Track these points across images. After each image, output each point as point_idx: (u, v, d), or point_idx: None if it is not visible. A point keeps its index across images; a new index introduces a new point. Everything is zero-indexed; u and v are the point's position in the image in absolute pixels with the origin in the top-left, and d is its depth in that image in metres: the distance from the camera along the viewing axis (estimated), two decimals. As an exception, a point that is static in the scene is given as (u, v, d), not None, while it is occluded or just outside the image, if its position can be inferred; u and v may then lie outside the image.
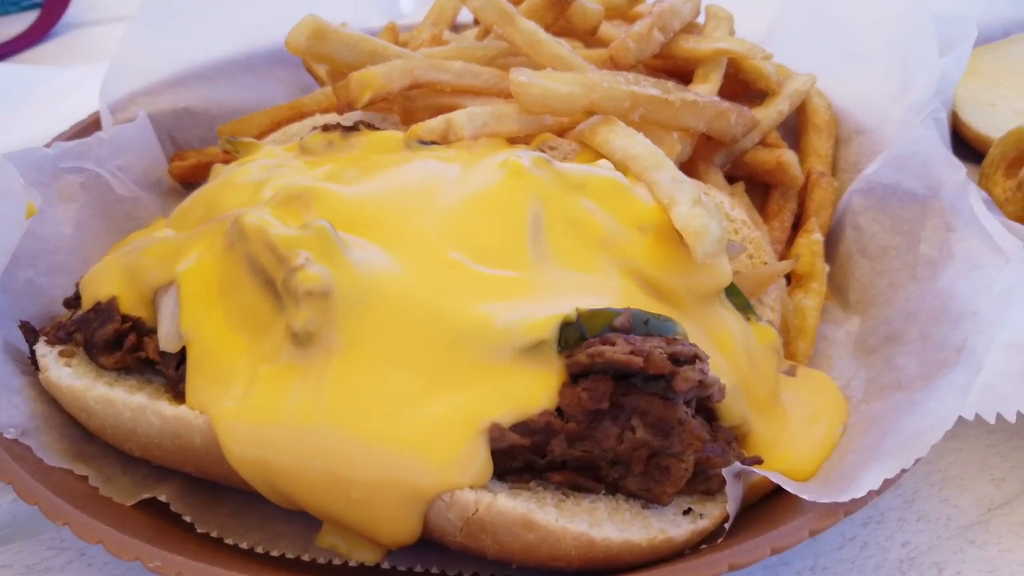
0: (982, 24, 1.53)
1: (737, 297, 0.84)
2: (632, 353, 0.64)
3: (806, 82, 1.18)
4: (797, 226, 1.11)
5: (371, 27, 1.39)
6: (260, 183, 0.88)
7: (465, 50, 1.12)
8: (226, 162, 1.02)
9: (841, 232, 1.09)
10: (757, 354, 0.81)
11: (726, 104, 1.04)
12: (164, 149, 1.25)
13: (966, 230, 0.94)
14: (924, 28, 1.16)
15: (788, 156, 1.09)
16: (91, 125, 1.19)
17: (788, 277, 1.05)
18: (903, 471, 0.65)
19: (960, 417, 0.68)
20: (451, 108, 0.98)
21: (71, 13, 2.17)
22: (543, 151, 0.98)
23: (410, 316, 0.70)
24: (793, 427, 0.81)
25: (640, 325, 0.69)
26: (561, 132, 1.00)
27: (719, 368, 0.77)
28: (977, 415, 0.65)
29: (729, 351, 0.79)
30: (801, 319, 0.97)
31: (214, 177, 0.99)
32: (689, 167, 1.07)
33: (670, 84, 0.99)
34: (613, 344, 0.65)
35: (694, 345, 0.68)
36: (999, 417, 0.67)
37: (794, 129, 1.24)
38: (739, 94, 1.22)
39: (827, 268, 1.03)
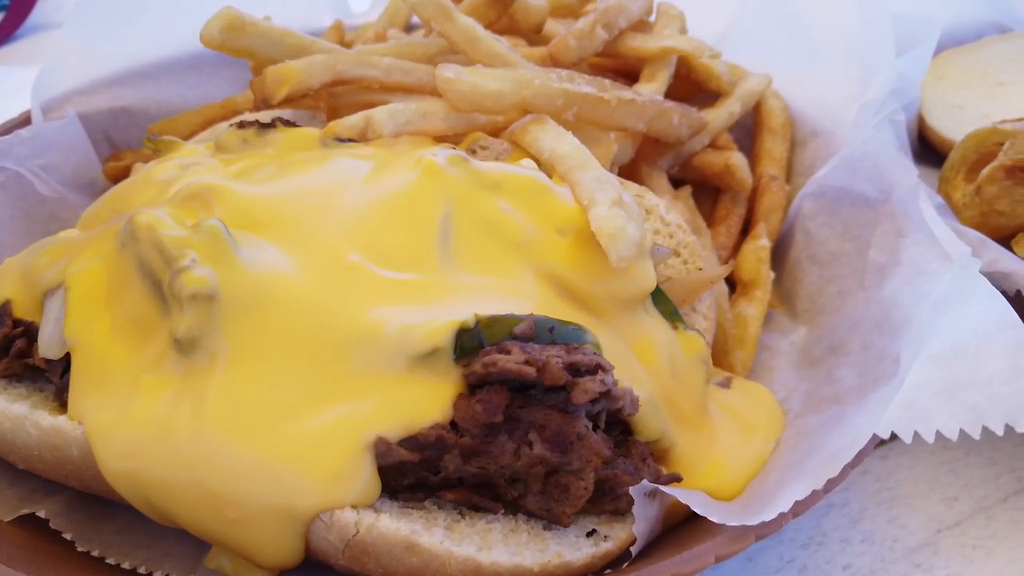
0: (955, 26, 1.50)
1: (665, 304, 0.79)
2: (527, 363, 0.59)
3: (760, 83, 1.14)
4: (748, 231, 1.06)
5: (324, 27, 1.36)
6: (170, 182, 0.84)
7: (403, 47, 1.08)
8: (146, 161, 0.98)
9: (792, 238, 1.04)
10: (682, 365, 0.76)
11: (669, 104, 1.00)
12: (101, 149, 1.21)
13: (916, 235, 0.89)
14: (882, 28, 1.12)
15: (736, 159, 1.05)
16: (21, 124, 1.16)
17: (733, 284, 1.01)
18: (815, 492, 0.60)
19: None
20: (380, 105, 0.94)
21: (37, 14, 2.14)
22: (474, 150, 0.94)
23: (300, 321, 0.65)
24: (721, 442, 0.76)
25: (544, 333, 0.65)
26: (495, 131, 0.96)
27: (638, 379, 0.72)
28: (893, 433, 0.60)
29: (650, 361, 0.74)
30: (742, 328, 0.92)
31: (133, 175, 0.95)
32: (631, 169, 1.03)
33: (607, 82, 0.95)
34: (508, 353, 0.61)
35: (597, 354, 0.64)
36: (935, 436, 0.61)
37: (752, 131, 1.20)
38: (692, 95, 1.18)
39: (772, 275, 0.98)
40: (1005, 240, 1.02)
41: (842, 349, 0.86)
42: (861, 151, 0.97)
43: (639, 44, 1.08)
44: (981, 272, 0.90)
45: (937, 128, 1.29)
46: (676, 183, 1.10)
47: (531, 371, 0.59)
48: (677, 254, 0.87)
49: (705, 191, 1.12)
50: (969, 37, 1.50)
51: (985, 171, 1.01)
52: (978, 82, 1.37)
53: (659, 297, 0.79)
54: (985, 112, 1.31)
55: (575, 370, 0.61)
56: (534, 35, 1.14)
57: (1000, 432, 0.59)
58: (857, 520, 0.89)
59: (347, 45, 1.29)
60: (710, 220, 1.07)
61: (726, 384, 0.84)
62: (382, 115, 0.87)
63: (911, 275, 0.85)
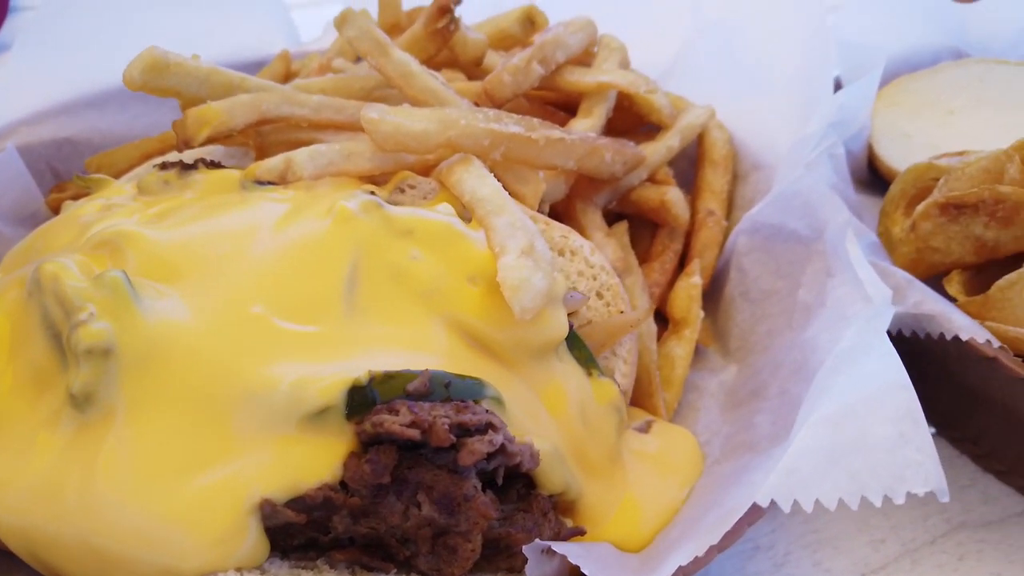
0: (911, 51, 1.50)
1: (580, 350, 0.79)
2: (413, 424, 0.59)
3: (701, 116, 1.14)
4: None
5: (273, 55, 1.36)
6: (89, 224, 0.84)
7: (341, 81, 1.07)
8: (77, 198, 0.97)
9: (727, 274, 1.04)
10: (594, 413, 0.76)
11: (601, 141, 0.99)
12: (45, 180, 1.21)
13: (843, 276, 0.89)
14: (823, 60, 1.11)
15: (671, 195, 1.04)
16: (-41, 156, 1.15)
17: (666, 322, 1.00)
18: (697, 559, 0.59)
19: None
20: (309, 144, 0.94)
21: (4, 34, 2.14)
22: (402, 189, 0.94)
23: (194, 377, 0.65)
24: (633, 491, 0.76)
25: (440, 389, 0.65)
26: (426, 169, 0.96)
27: (544, 430, 0.72)
28: (774, 502, 0.59)
29: (560, 410, 0.74)
30: (669, 368, 0.92)
31: (61, 214, 0.94)
32: (566, 205, 1.03)
33: (535, 121, 0.94)
34: (397, 412, 0.60)
35: (490, 412, 0.64)
36: (797, 505, 0.60)
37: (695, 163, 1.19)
38: (635, 127, 1.18)
39: (702, 314, 0.98)
40: (940, 277, 1.02)
41: (763, 393, 0.85)
42: (792, 188, 0.97)
43: (576, 79, 1.08)
44: (908, 313, 0.90)
45: (885, 157, 1.29)
46: (615, 218, 1.09)
47: (415, 433, 0.58)
48: (600, 296, 0.87)
49: (646, 225, 1.12)
50: (925, 63, 1.49)
51: (919, 208, 1.01)
52: (929, 109, 1.37)
53: (575, 343, 0.79)
54: (934, 141, 1.31)
55: (464, 430, 0.61)
56: (474, 68, 1.14)
57: (878, 504, 0.58)
58: (781, 564, 0.89)
59: (293, 74, 1.29)
60: (647, 256, 1.07)
61: (645, 429, 0.83)
62: (303, 157, 0.86)
63: (833, 318, 0.85)
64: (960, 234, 0.99)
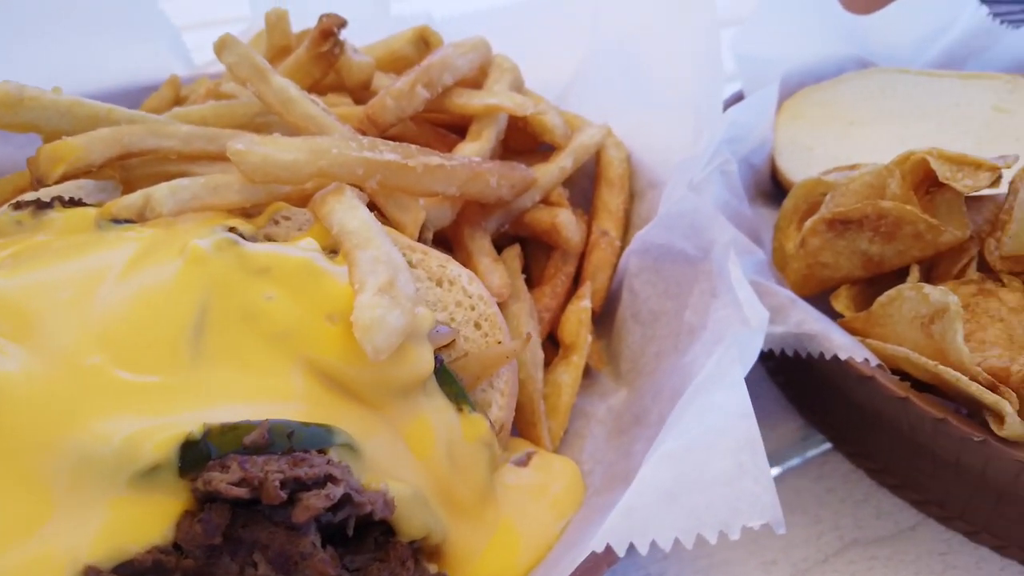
0: (814, 63, 1.51)
1: (450, 385, 0.77)
2: (243, 481, 0.56)
3: (595, 135, 1.13)
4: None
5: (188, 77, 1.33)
6: (-63, 269, 0.79)
7: (221, 109, 1.04)
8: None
9: (619, 296, 1.03)
10: (462, 451, 0.73)
11: (487, 165, 0.97)
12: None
13: (725, 297, 0.88)
14: (713, 77, 1.11)
15: (562, 218, 1.03)
16: None
17: (557, 346, 0.99)
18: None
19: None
20: (180, 176, 0.90)
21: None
22: (276, 221, 0.91)
23: (20, 434, 0.61)
24: (506, 528, 0.74)
25: (281, 439, 0.62)
26: (303, 199, 0.93)
27: (406, 472, 0.69)
28: (609, 547, 0.57)
29: (425, 450, 0.72)
30: (555, 396, 0.90)
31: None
32: (454, 230, 1.01)
33: (413, 148, 0.92)
34: (227, 469, 0.57)
35: (330, 463, 0.61)
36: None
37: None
38: (531, 147, 1.16)
39: (590, 339, 0.96)
40: (830, 292, 1.02)
41: (644, 419, 0.84)
42: (677, 209, 0.96)
43: (464, 101, 1.06)
44: (790, 333, 0.90)
45: (786, 171, 1.29)
46: (510, 241, 1.08)
47: (243, 492, 0.56)
48: (478, 326, 0.85)
49: (543, 247, 1.10)
50: (830, 73, 1.51)
51: (807, 224, 1.01)
52: (831, 121, 1.38)
53: (444, 378, 0.77)
54: (834, 154, 1.32)
55: (300, 484, 0.58)
56: (362, 92, 1.12)
57: (713, 541, 0.57)
58: (671, 590, 0.88)
59: (182, 100, 1.25)
60: (541, 279, 1.05)
61: (525, 461, 0.81)
62: (162, 193, 0.83)
63: (711, 341, 0.84)
64: (847, 249, 0.99)
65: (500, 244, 1.05)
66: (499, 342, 0.84)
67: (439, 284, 0.87)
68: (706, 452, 0.60)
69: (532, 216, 1.06)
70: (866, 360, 0.84)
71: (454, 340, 0.81)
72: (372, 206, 0.90)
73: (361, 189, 0.89)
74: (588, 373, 0.99)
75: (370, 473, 0.67)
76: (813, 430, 1.06)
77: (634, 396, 0.91)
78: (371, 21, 1.35)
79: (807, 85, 1.47)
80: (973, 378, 0.76)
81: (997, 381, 0.79)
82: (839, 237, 0.98)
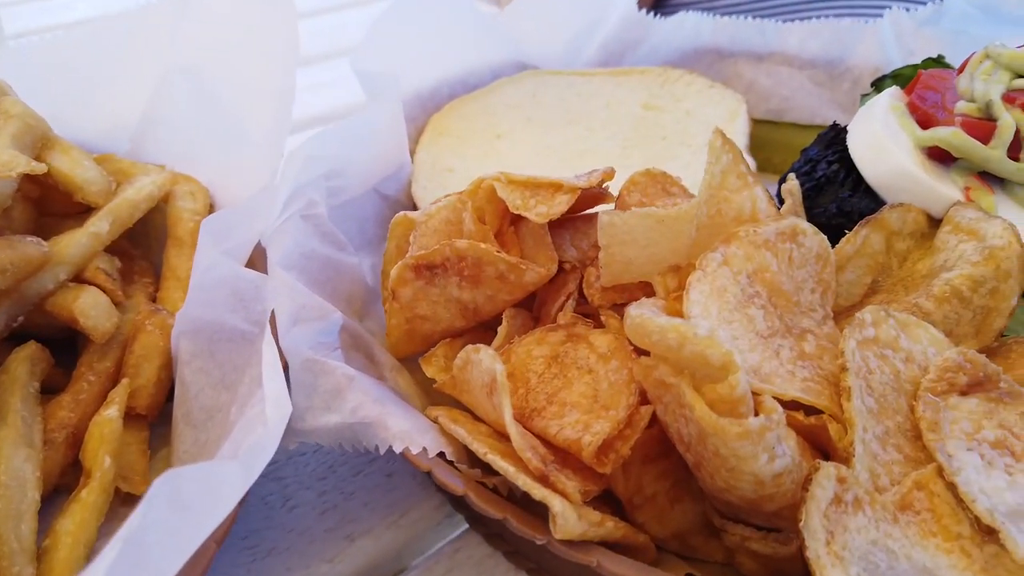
0: (466, 71, 1.37)
1: None
2: None
3: (145, 187, 0.90)
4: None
5: None
6: None
7: None
8: None
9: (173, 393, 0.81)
10: None
11: (-53, 249, 0.73)
12: None
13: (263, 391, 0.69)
14: (284, 114, 0.92)
15: (84, 300, 0.80)
16: None
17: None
18: None
19: None
20: None
21: None
22: None
23: None
24: None
25: None
26: None
27: None
28: None
29: None
30: (52, 552, 0.67)
31: None
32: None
33: None
34: None
35: None
36: None
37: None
38: (80, 209, 0.92)
39: (108, 461, 0.74)
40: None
41: None
42: (211, 277, 0.76)
43: (-67, 164, 0.80)
44: (345, 424, 0.72)
45: (421, 200, 1.12)
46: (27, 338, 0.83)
47: None
48: None
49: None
50: (486, 81, 1.37)
51: (393, 273, 0.83)
52: (478, 136, 1.23)
53: None
54: (476, 174, 1.17)
55: None
56: None
57: None
58: None
59: None
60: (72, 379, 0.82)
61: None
62: None
63: (232, 451, 0.64)
64: (442, 298, 0.83)
65: (16, 341, 0.81)
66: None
67: None
68: None
69: (54, 302, 0.82)
70: (424, 450, 0.67)
71: None
72: None
73: None
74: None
75: None
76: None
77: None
78: None
79: (460, 95, 1.33)
80: (525, 467, 0.61)
81: (568, 455, 0.64)
82: (430, 284, 0.82)
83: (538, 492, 0.58)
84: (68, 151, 0.89)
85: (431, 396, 0.85)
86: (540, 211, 0.75)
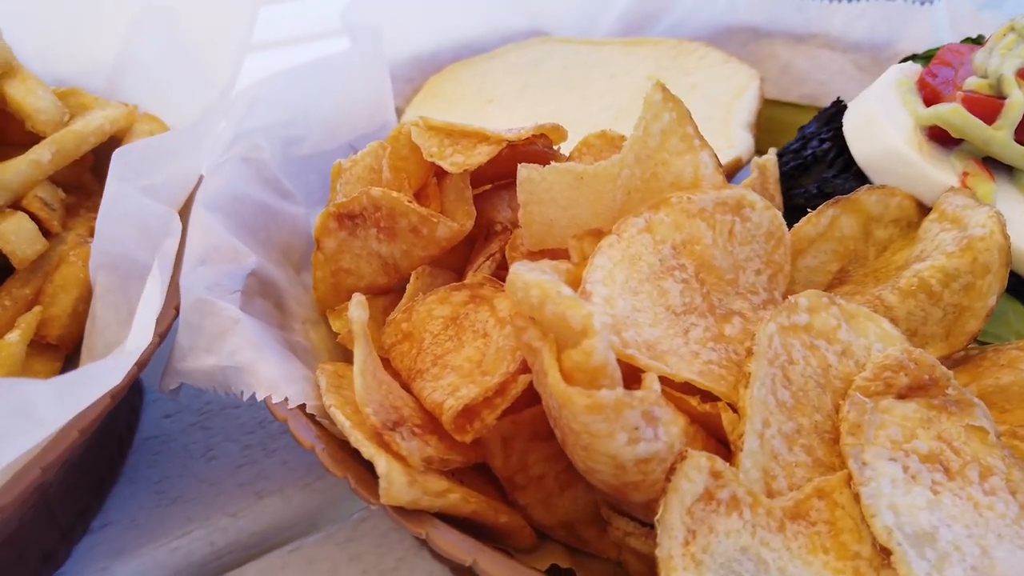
0: (473, 36, 1.32)
1: None
2: None
3: (96, 120, 0.89)
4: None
5: None
6: None
7: None
8: None
9: (87, 325, 0.80)
10: None
11: None
12: None
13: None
14: (240, 43, 0.90)
15: (7, 224, 0.79)
16: None
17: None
18: None
19: None
20: None
21: None
22: None
23: None
24: None
25: None
26: None
27: None
28: None
29: None
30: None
31: None
32: None
33: None
34: None
35: None
36: None
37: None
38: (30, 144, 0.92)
39: None
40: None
41: None
42: (116, 209, 0.73)
43: None
44: (218, 367, 0.68)
45: (395, 158, 1.09)
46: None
47: None
48: None
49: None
50: (494, 46, 1.32)
51: (317, 222, 0.80)
52: (469, 100, 1.18)
53: None
54: (457, 136, 1.12)
55: None
56: None
57: None
58: None
59: None
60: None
61: None
62: None
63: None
64: (364, 251, 0.79)
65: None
66: None
67: None
68: None
69: (-19, 228, 0.82)
70: (285, 400, 0.63)
71: None
72: None
73: None
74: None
75: None
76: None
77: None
78: None
79: (464, 58, 1.28)
80: (360, 425, 0.55)
81: (438, 421, 0.59)
82: (352, 236, 0.78)
83: (367, 450, 0.53)
84: (26, 80, 0.89)
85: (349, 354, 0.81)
86: (456, 160, 0.70)
